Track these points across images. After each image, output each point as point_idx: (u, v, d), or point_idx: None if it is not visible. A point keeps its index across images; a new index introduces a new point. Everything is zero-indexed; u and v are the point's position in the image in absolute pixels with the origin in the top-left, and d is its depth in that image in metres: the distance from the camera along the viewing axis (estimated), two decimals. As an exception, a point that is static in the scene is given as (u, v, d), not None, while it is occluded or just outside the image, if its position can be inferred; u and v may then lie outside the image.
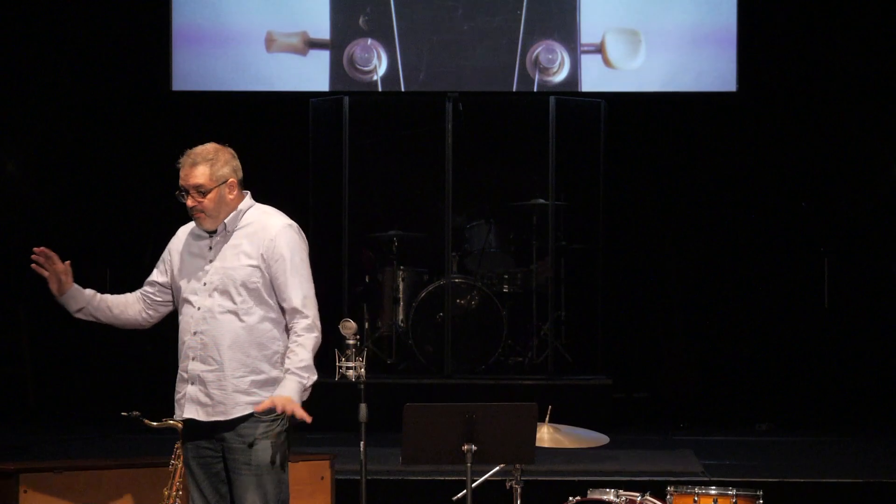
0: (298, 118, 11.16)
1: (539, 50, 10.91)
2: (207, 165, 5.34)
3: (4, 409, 11.17)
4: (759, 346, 11.47)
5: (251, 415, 5.30)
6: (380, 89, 10.95)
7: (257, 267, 5.34)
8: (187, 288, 5.38)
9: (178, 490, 6.05)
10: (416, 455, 5.48)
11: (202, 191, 5.33)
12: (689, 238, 11.73)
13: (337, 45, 10.95)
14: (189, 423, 5.40)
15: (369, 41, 10.95)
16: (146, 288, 5.54)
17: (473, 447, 5.41)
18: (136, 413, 6.12)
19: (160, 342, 11.39)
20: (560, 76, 10.94)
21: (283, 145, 11.43)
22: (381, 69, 10.93)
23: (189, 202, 5.34)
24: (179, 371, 5.39)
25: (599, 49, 10.94)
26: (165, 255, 5.50)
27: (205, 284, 5.34)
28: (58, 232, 11.26)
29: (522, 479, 5.99)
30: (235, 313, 5.33)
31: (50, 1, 11.47)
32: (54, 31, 11.45)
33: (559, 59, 10.92)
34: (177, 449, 6.07)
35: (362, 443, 5.97)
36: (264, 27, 10.96)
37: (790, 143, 11.51)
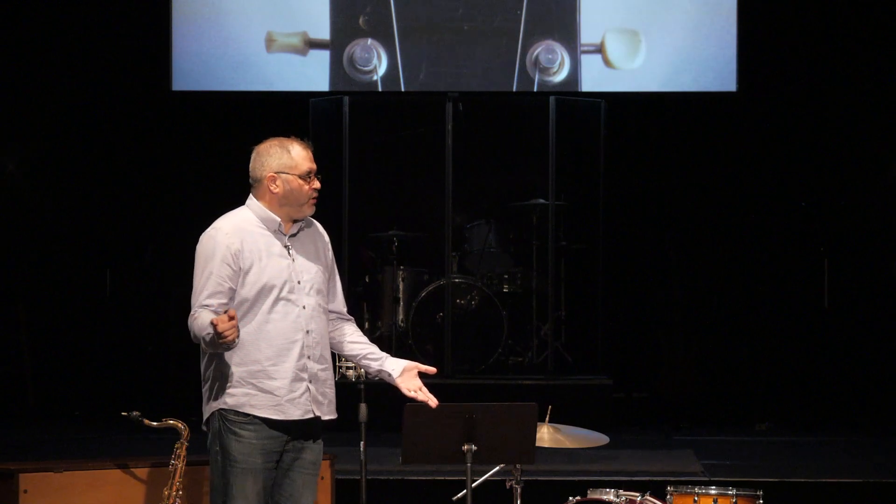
0: (298, 118, 11.14)
1: (539, 50, 10.91)
2: None
3: (4, 409, 11.17)
4: (759, 346, 11.46)
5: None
6: (380, 89, 10.95)
7: (327, 269, 5.36)
8: (281, 286, 5.15)
9: (178, 490, 6.05)
10: (416, 455, 5.48)
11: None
12: (688, 238, 11.73)
13: (337, 45, 10.95)
14: (279, 424, 5.14)
15: (369, 41, 10.94)
16: (221, 302, 5.07)
17: (473, 447, 5.41)
18: (136, 413, 6.12)
19: (160, 342, 11.41)
20: (560, 76, 10.94)
21: (282, 145, 11.40)
22: (381, 69, 10.93)
23: (317, 184, 5.21)
24: (291, 370, 5.14)
25: (599, 49, 10.94)
26: (228, 258, 5.08)
27: (299, 283, 5.19)
28: (58, 232, 11.26)
29: (522, 479, 5.99)
30: (325, 313, 5.29)
31: (50, 1, 11.47)
32: (55, 30, 11.45)
33: (559, 59, 10.92)
34: (177, 449, 6.07)
35: (362, 443, 5.99)
36: (264, 27, 10.97)
37: (790, 143, 11.50)
